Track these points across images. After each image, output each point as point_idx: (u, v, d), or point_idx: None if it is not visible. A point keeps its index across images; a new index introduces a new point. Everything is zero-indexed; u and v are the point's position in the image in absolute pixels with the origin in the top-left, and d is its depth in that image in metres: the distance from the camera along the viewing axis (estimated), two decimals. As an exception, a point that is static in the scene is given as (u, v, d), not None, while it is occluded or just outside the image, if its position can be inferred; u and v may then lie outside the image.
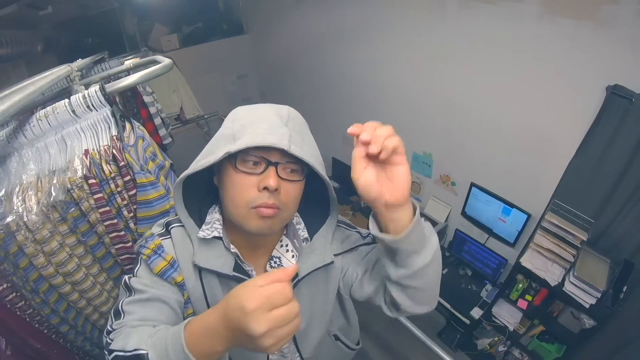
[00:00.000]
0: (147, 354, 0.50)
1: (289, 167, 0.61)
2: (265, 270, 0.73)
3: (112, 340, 0.55)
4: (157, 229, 0.72)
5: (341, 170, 3.35)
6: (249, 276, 0.68)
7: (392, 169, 0.52)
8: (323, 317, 0.79)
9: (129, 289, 0.64)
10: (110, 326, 0.59)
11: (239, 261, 0.68)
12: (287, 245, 0.74)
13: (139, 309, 0.61)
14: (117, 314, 0.61)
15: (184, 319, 0.64)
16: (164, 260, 0.66)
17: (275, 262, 0.73)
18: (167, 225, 0.71)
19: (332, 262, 0.72)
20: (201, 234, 0.66)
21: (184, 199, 0.68)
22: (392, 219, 0.54)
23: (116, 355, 0.52)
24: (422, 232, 0.57)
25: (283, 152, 0.58)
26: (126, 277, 0.66)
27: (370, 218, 0.59)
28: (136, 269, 0.67)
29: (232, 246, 0.68)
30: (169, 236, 0.69)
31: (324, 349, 0.86)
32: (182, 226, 0.69)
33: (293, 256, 0.73)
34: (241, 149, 0.57)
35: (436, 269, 0.61)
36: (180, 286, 0.68)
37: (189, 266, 0.68)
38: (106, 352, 0.55)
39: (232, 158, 0.59)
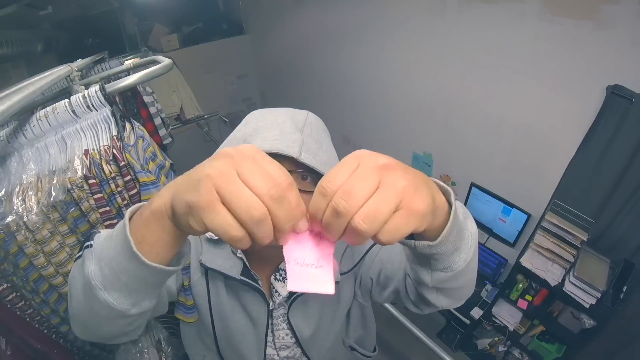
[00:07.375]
0: (97, 233, 0.46)
1: (302, 176, 0.57)
2: (270, 282, 0.72)
3: None
4: None
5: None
6: (257, 282, 0.68)
7: None
8: (333, 325, 0.78)
9: None
10: None
11: (247, 266, 0.68)
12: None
13: None
14: None
15: (179, 303, 0.66)
16: None
17: (280, 275, 0.71)
18: None
19: (337, 282, 0.70)
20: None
21: None
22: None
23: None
24: (459, 223, 0.42)
25: (297, 160, 0.54)
26: None
27: None
28: None
29: (239, 251, 0.67)
30: None
31: (338, 357, 0.86)
32: None
33: None
34: None
35: (477, 258, 0.49)
36: (184, 271, 0.68)
37: (195, 262, 0.69)
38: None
39: None
